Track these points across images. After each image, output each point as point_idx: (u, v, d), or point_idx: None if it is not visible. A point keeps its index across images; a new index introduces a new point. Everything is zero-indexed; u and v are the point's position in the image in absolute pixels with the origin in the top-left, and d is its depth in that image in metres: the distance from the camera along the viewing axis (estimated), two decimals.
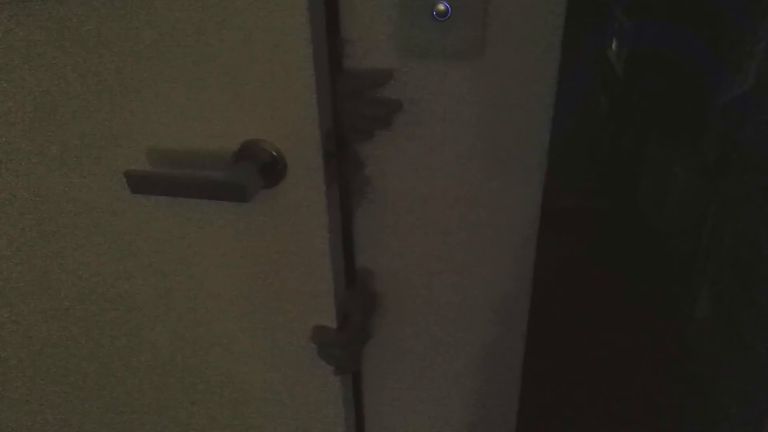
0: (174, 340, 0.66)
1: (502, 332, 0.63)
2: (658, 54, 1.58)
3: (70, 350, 0.69)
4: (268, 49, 0.48)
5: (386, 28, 0.49)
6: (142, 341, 0.67)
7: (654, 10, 1.68)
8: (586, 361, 1.22)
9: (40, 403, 0.75)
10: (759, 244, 0.76)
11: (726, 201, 0.94)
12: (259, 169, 0.51)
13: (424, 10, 0.47)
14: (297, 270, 0.57)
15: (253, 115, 0.51)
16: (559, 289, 1.58)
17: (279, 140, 0.52)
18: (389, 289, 0.62)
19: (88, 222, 0.60)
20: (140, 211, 0.58)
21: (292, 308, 0.60)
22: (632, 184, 2.01)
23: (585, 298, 1.57)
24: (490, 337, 0.64)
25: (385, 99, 0.52)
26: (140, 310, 0.65)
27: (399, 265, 0.61)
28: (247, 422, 0.71)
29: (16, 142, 0.56)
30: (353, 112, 0.53)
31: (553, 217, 0.75)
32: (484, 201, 0.56)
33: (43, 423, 0.77)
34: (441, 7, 0.46)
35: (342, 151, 0.55)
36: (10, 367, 0.72)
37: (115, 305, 0.65)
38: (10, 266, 0.64)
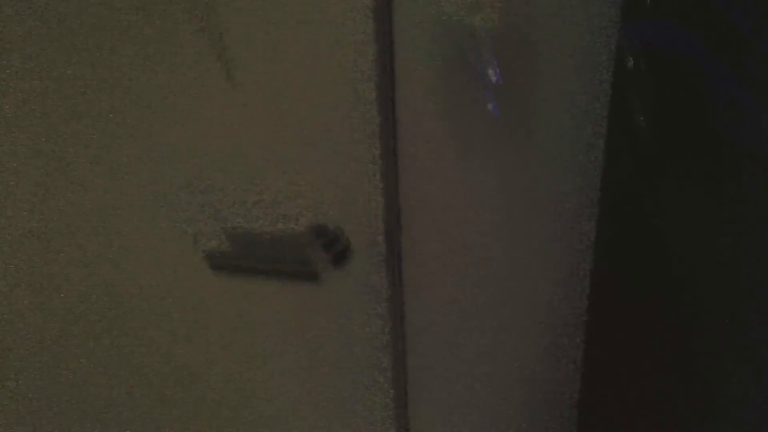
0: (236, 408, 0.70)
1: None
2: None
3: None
4: (344, 147, 0.54)
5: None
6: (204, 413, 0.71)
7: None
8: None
9: None
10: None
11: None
12: (329, 251, 0.57)
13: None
14: (359, 339, 0.62)
15: (324, 201, 0.56)
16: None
17: (346, 225, 0.57)
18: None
19: (167, 295, 0.65)
20: (218, 285, 0.64)
21: (354, 372, 0.64)
22: None
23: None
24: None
25: None
26: (205, 381, 0.69)
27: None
28: None
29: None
30: None
31: None
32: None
33: None
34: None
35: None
36: None
37: (184, 374, 0.70)
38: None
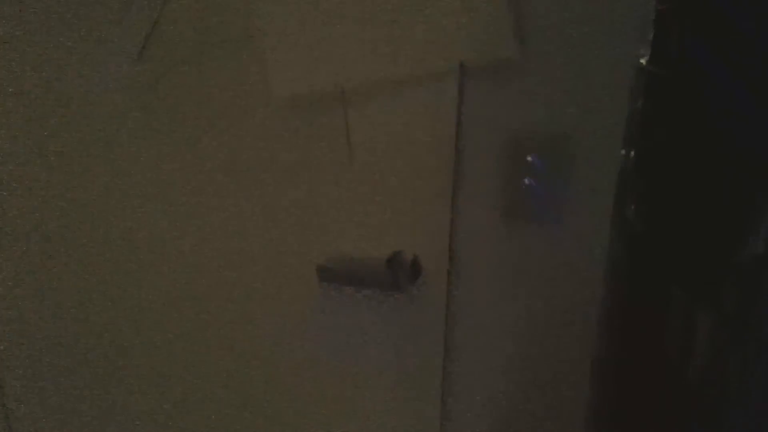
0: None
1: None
2: None
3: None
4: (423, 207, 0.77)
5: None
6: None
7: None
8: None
9: None
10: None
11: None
12: (405, 270, 0.79)
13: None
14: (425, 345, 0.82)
15: (402, 232, 0.79)
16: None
17: (418, 251, 0.79)
18: None
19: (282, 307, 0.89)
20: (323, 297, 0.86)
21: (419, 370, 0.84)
22: None
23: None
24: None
25: None
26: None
27: None
28: None
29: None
30: None
31: None
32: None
33: None
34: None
35: None
36: None
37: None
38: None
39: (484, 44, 0.74)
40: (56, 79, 0.91)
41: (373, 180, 0.81)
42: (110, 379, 1.03)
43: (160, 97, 0.86)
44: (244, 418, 0.98)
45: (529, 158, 0.75)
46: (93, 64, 0.88)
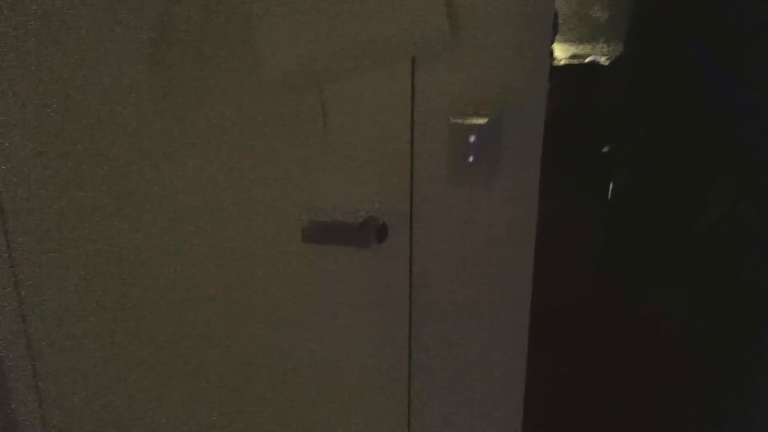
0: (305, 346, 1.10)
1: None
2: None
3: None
4: (388, 178, 0.94)
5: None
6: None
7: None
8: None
9: None
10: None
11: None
12: (375, 231, 0.97)
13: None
14: (388, 296, 1.02)
15: (372, 199, 0.97)
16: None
17: (386, 215, 0.97)
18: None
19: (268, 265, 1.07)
20: (307, 255, 1.04)
21: (386, 317, 1.04)
22: None
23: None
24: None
25: None
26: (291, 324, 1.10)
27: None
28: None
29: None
30: None
31: None
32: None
33: None
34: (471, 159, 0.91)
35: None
36: None
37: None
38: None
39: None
40: (57, 79, 1.05)
41: (347, 155, 0.97)
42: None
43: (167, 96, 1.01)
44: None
45: (471, 139, 0.92)
46: (97, 65, 1.02)
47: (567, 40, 1.08)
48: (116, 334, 1.19)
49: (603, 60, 1.06)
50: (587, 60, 1.09)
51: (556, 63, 1.07)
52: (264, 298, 1.09)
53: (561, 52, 1.08)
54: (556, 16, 1.03)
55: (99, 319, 1.19)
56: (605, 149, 1.04)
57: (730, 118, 0.88)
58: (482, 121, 0.90)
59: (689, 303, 1.00)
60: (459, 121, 0.91)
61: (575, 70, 1.10)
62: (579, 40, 1.08)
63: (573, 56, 1.09)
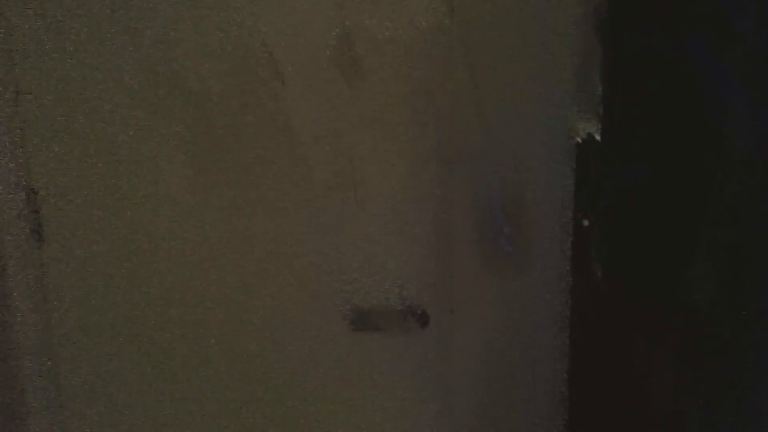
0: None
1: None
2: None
3: None
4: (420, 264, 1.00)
5: None
6: None
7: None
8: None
9: None
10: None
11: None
12: (417, 319, 1.03)
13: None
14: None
15: (415, 291, 1.02)
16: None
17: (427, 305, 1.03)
18: None
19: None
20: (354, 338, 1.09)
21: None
22: None
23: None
24: None
25: None
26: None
27: None
28: None
29: None
30: None
31: None
32: None
33: None
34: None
35: None
36: None
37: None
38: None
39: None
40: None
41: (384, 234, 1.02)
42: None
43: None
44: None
45: (505, 230, 0.97)
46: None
47: None
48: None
49: None
50: None
51: None
52: (303, 380, 1.10)
53: None
54: None
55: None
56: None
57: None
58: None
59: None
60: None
61: None
62: None
63: None
